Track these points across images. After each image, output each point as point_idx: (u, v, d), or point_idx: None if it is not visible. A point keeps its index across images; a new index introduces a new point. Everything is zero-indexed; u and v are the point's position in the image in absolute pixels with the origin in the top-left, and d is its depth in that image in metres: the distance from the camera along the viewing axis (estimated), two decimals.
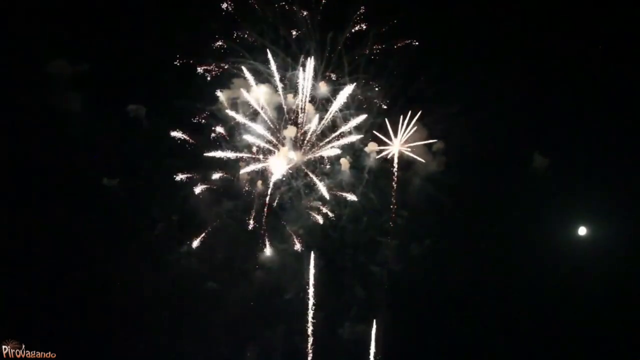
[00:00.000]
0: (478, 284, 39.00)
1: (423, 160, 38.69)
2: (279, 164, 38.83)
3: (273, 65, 38.32)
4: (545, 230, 39.04)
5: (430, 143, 38.29)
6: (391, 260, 39.39)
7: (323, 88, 38.84)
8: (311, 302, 38.74)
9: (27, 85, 37.81)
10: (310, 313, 38.61)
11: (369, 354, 38.43)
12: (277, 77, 38.69)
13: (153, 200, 39.66)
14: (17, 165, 37.89)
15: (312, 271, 39.09)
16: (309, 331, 38.55)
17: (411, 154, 38.83)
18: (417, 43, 37.78)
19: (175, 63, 39.42)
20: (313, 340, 38.49)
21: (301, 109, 38.91)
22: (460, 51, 37.62)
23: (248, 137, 38.59)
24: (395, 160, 38.81)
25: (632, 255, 37.88)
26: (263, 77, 39.03)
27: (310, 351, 38.42)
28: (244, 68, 38.41)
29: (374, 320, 38.87)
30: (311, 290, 38.84)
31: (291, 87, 39.13)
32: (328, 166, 39.33)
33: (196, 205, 39.17)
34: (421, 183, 38.67)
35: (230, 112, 38.67)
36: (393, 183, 38.81)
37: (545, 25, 37.81)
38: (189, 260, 39.35)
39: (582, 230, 39.28)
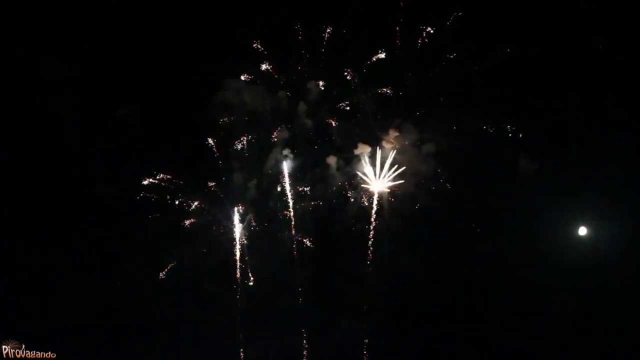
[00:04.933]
0: (473, 288, 39.02)
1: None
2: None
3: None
4: (540, 234, 38.78)
5: (420, 145, 38.17)
6: (385, 264, 39.46)
7: (313, 89, 38.94)
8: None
9: (17, 86, 37.87)
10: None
11: (362, 356, 38.85)
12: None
13: (149, 203, 39.94)
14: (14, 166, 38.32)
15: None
16: (304, 332, 39.02)
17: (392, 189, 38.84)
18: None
19: (170, 64, 39.62)
20: (307, 342, 38.89)
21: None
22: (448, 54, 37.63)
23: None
24: (375, 201, 38.84)
25: (630, 255, 37.68)
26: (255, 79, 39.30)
27: (305, 352, 38.80)
28: None
29: (367, 323, 39.28)
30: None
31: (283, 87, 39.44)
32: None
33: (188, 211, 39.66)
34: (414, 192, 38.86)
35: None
36: (372, 219, 38.93)
37: (535, 25, 37.62)
38: (184, 263, 39.74)
39: (583, 230, 39.01)
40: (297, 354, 39.09)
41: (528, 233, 38.75)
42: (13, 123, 37.96)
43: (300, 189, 39.44)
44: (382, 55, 37.89)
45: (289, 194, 39.28)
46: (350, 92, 38.68)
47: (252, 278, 39.46)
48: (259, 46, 38.98)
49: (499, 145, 37.55)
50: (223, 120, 39.36)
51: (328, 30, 38.29)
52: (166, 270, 39.49)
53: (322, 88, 39.05)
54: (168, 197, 39.32)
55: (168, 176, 39.26)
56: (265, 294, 39.61)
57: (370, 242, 39.02)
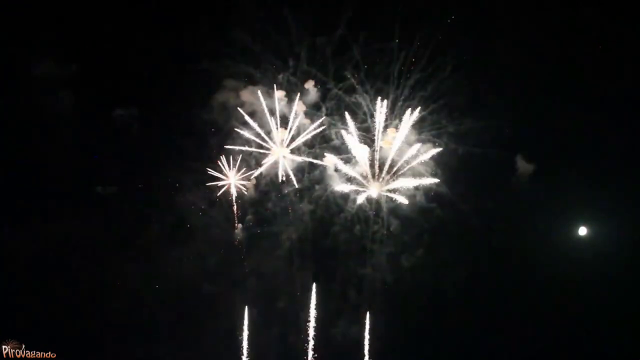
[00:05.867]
0: (472, 289, 39.09)
1: (406, 202, 38.67)
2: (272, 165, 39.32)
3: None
4: (538, 235, 38.89)
5: (416, 143, 38.20)
6: (384, 266, 39.66)
7: (311, 90, 38.96)
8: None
9: (12, 86, 37.92)
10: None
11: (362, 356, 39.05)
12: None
13: (146, 204, 40.08)
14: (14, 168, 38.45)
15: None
16: (306, 332, 39.17)
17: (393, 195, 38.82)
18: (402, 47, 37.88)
19: (168, 65, 39.62)
20: (309, 342, 39.05)
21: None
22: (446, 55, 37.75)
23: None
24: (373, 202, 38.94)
25: (629, 255, 37.73)
26: (254, 80, 39.32)
27: (308, 352, 38.97)
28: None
29: (367, 323, 39.42)
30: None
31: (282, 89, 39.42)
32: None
33: (187, 212, 39.79)
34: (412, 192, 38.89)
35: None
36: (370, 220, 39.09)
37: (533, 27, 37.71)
38: (183, 264, 39.96)
39: (583, 230, 39.06)
40: (297, 353, 39.26)
41: (528, 233, 38.91)
42: (12, 124, 38.16)
43: (300, 190, 39.53)
44: (381, 56, 37.96)
45: (289, 195, 39.55)
46: (349, 93, 38.73)
47: (251, 279, 39.75)
48: (259, 47, 38.90)
49: (498, 145, 37.75)
50: (222, 121, 39.38)
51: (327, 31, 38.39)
52: (166, 271, 39.75)
53: (320, 88, 39.11)
54: (168, 198, 39.41)
55: (168, 178, 39.30)
56: (265, 295, 39.90)
57: (369, 243, 39.42)
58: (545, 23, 37.46)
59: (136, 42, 39.35)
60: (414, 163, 37.98)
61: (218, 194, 39.32)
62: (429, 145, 37.91)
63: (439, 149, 37.75)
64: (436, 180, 37.88)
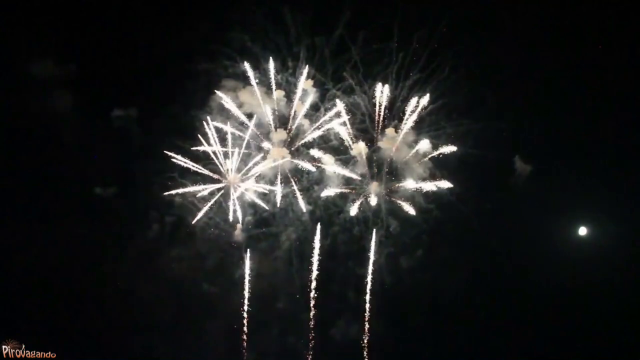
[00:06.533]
0: (471, 290, 39.17)
1: (413, 212, 38.52)
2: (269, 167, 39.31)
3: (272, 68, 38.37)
4: (537, 236, 38.90)
5: (416, 142, 38.19)
6: (383, 267, 39.56)
7: (310, 89, 38.84)
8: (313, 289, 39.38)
9: (11, 86, 37.90)
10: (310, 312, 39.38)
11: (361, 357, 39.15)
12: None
13: (146, 204, 40.11)
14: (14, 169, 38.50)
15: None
16: (306, 332, 39.21)
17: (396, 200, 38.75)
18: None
19: (166, 65, 39.55)
20: (309, 342, 39.10)
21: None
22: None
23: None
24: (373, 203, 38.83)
25: (629, 255, 37.67)
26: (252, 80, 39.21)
27: (309, 353, 39.03)
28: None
29: (366, 324, 39.40)
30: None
31: (281, 89, 39.32)
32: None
33: (187, 212, 39.75)
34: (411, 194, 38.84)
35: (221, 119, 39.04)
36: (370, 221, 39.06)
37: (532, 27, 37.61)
38: (183, 264, 39.96)
39: (582, 231, 39.05)
40: (297, 353, 39.31)
41: (527, 234, 38.85)
42: (11, 124, 38.19)
43: (299, 190, 39.49)
44: (380, 57, 37.88)
45: (289, 195, 39.51)
46: (347, 93, 38.69)
47: (251, 279, 39.74)
48: (258, 47, 38.85)
49: (496, 146, 37.69)
50: (221, 121, 39.26)
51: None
52: (166, 271, 39.74)
53: (319, 89, 39.03)
54: (168, 198, 39.38)
55: (168, 180, 39.31)
56: (265, 295, 39.87)
57: (369, 244, 39.37)
58: (545, 23, 37.49)
59: (135, 42, 39.35)
60: (419, 162, 37.92)
61: (217, 195, 39.21)
62: (428, 145, 37.98)
63: (452, 148, 37.69)
64: (449, 184, 37.82)
